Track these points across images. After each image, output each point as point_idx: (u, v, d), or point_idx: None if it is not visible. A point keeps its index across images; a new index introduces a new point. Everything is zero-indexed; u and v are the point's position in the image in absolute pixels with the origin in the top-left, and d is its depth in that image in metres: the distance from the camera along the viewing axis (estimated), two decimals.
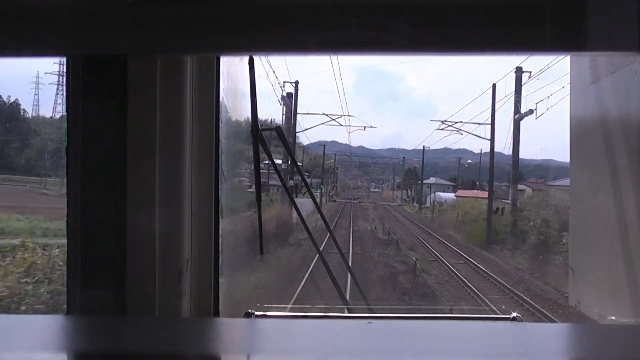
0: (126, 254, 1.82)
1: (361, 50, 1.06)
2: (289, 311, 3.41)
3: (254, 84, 2.43)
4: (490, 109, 34.66)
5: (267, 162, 2.91)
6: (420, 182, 74.26)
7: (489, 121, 35.23)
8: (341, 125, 55.91)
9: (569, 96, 2.95)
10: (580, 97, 2.84)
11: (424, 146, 68.72)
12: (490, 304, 15.83)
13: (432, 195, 67.19)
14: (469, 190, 67.62)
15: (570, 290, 3.02)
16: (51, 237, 13.18)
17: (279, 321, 2.24)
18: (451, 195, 65.53)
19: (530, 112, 29.88)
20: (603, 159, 2.55)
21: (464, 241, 34.20)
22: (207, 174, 2.07)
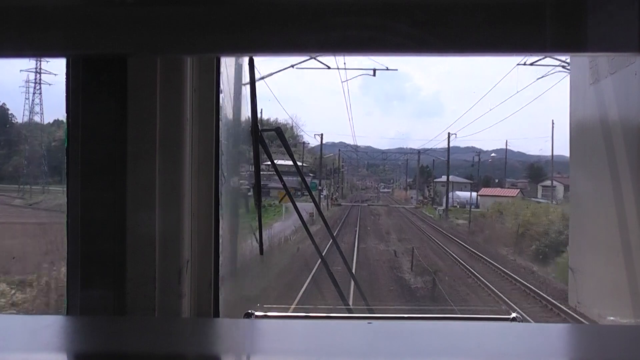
0: (126, 254, 1.82)
1: (361, 50, 1.06)
2: (289, 312, 3.41)
3: (254, 84, 2.43)
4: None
5: (267, 162, 2.91)
6: (435, 180, 68.09)
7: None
8: (329, 68, 31.59)
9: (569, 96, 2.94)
10: (580, 98, 2.84)
11: (448, 138, 55.60)
12: None
13: (452, 194, 57.43)
14: (493, 189, 61.14)
15: (570, 290, 3.01)
16: None
17: (279, 322, 2.24)
18: (468, 193, 56.87)
19: None
20: (603, 159, 2.55)
21: (562, 283, 17.12)
22: (207, 174, 2.07)
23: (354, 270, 16.68)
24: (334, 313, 2.89)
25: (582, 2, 0.99)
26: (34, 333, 1.44)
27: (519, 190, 57.12)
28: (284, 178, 2.95)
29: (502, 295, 16.89)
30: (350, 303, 3.09)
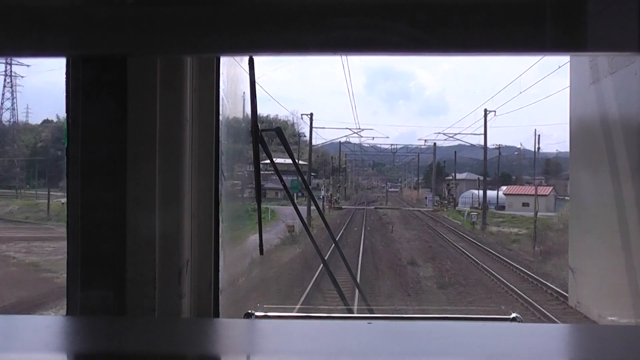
0: (126, 254, 1.82)
1: (361, 50, 1.06)
2: (289, 312, 3.41)
3: (254, 84, 2.43)
4: None
5: (266, 162, 2.91)
6: (450, 178, 62.72)
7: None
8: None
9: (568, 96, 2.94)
10: (580, 97, 2.84)
11: (485, 116, 44.65)
12: None
13: (469, 193, 53.83)
14: (520, 186, 54.78)
15: (570, 290, 3.01)
16: None
17: (279, 322, 2.24)
18: (490, 192, 48.07)
19: None
20: (603, 159, 2.55)
21: None
22: (207, 174, 2.07)
23: None
24: (333, 313, 2.89)
25: (582, 2, 0.99)
26: (34, 333, 1.44)
27: (551, 188, 50.25)
28: (283, 177, 2.95)
29: None
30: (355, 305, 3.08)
